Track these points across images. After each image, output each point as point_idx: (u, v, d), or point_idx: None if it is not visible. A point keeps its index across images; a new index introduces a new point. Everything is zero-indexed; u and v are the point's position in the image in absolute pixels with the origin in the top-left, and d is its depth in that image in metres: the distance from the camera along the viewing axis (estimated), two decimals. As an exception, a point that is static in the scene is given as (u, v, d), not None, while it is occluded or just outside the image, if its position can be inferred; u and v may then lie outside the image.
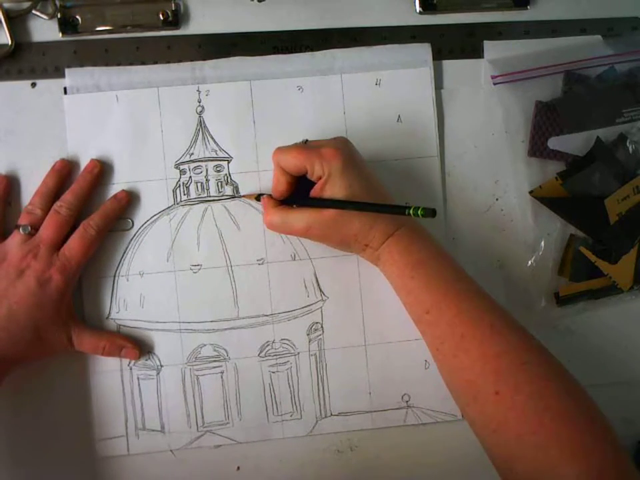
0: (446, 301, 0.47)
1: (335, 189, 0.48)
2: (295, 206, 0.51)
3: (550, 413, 0.42)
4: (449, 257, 0.50)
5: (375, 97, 0.57)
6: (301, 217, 0.50)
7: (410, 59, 0.57)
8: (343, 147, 0.50)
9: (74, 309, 0.53)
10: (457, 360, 0.46)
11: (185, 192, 0.56)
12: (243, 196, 0.56)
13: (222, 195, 0.56)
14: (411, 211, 0.44)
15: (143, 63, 0.56)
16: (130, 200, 0.55)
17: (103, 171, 0.55)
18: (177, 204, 0.56)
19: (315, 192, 0.50)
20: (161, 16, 0.56)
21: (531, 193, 0.57)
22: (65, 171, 0.54)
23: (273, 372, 0.56)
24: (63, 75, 0.55)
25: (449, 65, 0.58)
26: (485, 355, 0.45)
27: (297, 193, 0.52)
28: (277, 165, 0.51)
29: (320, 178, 0.49)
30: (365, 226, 0.49)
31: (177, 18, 0.56)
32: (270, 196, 0.53)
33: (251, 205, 0.56)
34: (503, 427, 0.43)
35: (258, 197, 0.54)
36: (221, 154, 0.56)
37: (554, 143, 0.57)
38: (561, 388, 0.44)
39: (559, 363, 0.45)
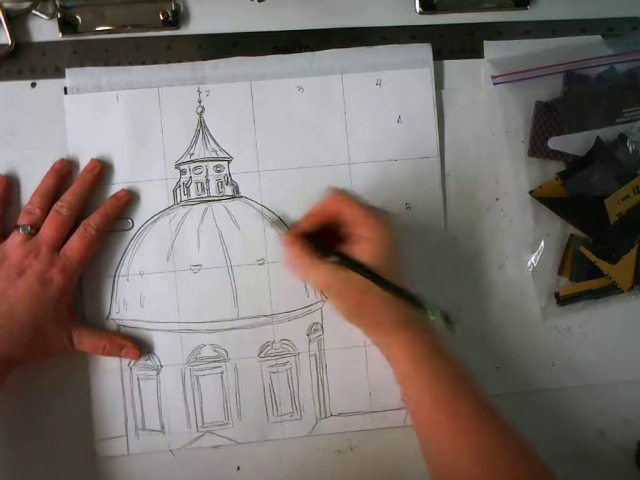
0: (443, 401, 0.48)
1: (373, 255, 0.47)
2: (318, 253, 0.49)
3: None
4: (452, 356, 0.50)
5: (375, 97, 0.57)
6: (325, 267, 0.47)
7: (410, 59, 0.57)
8: (393, 222, 0.49)
9: (74, 308, 0.53)
10: (449, 460, 0.47)
11: (185, 192, 0.56)
12: (265, 217, 0.55)
13: (222, 195, 0.56)
14: (429, 312, 0.45)
15: (143, 63, 0.56)
16: (130, 199, 0.55)
17: (103, 170, 0.55)
18: (177, 204, 0.56)
19: (350, 250, 0.48)
20: (160, 16, 0.56)
21: (531, 193, 0.57)
22: (64, 171, 0.54)
23: (273, 372, 0.56)
24: (63, 75, 0.55)
25: (449, 65, 0.58)
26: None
27: (317, 240, 0.49)
28: (335, 197, 0.48)
29: (358, 238, 0.47)
30: (384, 300, 0.47)
31: (177, 18, 0.56)
32: (294, 230, 0.49)
33: (251, 206, 0.56)
34: None
35: (274, 223, 0.52)
36: (221, 154, 0.56)
37: (554, 142, 0.57)
38: None
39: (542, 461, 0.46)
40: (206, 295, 0.55)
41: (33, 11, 0.55)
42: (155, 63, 0.56)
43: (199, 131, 0.56)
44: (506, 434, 0.47)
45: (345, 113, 0.57)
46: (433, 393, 0.48)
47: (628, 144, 0.57)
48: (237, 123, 0.56)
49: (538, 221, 0.57)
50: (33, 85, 0.55)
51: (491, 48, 0.58)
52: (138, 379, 0.55)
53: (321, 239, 0.49)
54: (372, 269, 0.47)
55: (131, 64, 0.56)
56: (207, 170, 0.56)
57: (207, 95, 0.56)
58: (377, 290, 0.47)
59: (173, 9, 0.56)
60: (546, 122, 0.57)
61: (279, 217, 0.55)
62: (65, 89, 0.55)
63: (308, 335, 0.56)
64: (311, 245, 0.48)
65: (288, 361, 0.56)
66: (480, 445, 0.46)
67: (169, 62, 0.56)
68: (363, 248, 0.47)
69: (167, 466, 0.55)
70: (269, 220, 0.54)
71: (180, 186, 0.56)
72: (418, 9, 0.58)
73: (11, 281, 0.50)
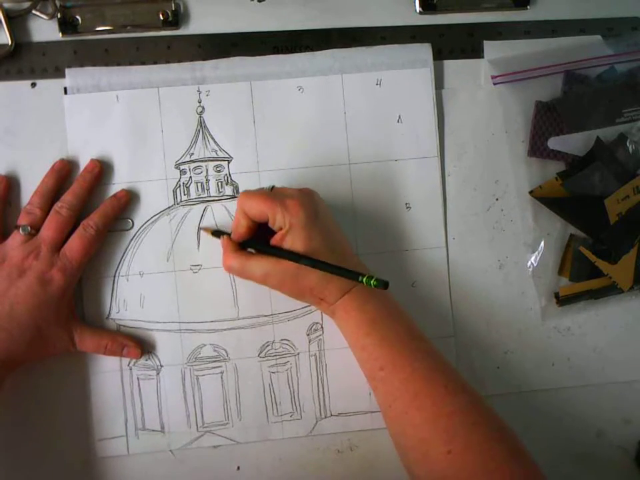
0: (400, 359, 0.48)
1: (295, 241, 0.48)
2: (250, 250, 0.51)
3: (500, 473, 0.43)
4: (405, 314, 0.51)
5: (375, 97, 0.57)
6: (259, 264, 0.49)
7: (410, 59, 0.57)
8: (307, 200, 0.49)
9: (75, 308, 0.54)
10: (408, 417, 0.47)
11: (185, 192, 0.56)
12: (201, 228, 0.55)
13: (222, 195, 0.56)
14: (364, 280, 0.45)
15: (143, 63, 0.56)
16: (130, 199, 0.55)
17: (103, 171, 0.55)
18: (177, 204, 0.56)
19: (275, 240, 0.49)
20: (160, 16, 0.56)
21: (530, 193, 0.57)
22: (64, 171, 0.54)
23: (273, 372, 0.56)
24: (63, 75, 0.55)
25: (449, 65, 0.58)
26: (437, 413, 0.46)
27: (257, 236, 0.51)
28: (240, 207, 0.50)
29: (281, 228, 0.49)
30: (321, 281, 0.49)
31: (177, 18, 0.56)
32: (229, 236, 0.52)
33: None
34: None
35: (215, 233, 0.53)
36: (221, 154, 0.56)
37: (554, 143, 0.57)
38: (510, 450, 0.45)
39: (506, 423, 0.46)
40: (206, 294, 0.55)
41: (33, 11, 0.55)
42: (155, 63, 0.56)
43: (199, 131, 0.56)
44: (465, 385, 0.48)
45: (345, 113, 0.57)
46: (387, 355, 0.48)
47: (628, 144, 0.57)
48: (237, 123, 0.56)
49: (538, 221, 0.58)
50: (33, 85, 0.55)
51: (491, 48, 0.58)
52: (138, 378, 0.55)
53: (265, 237, 0.50)
54: (293, 252, 0.48)
55: (131, 64, 0.56)
56: (207, 170, 0.56)
57: (207, 95, 0.56)
58: (314, 271, 0.48)
59: (173, 8, 0.56)
60: (546, 122, 0.57)
61: (218, 229, 0.55)
62: (65, 89, 0.55)
63: (308, 335, 0.56)
64: (240, 246, 0.51)
65: (288, 361, 0.56)
66: (440, 394, 0.46)
67: (168, 62, 0.56)
68: (285, 236, 0.48)
69: (166, 466, 0.55)
70: (209, 231, 0.54)
71: (180, 186, 0.56)
72: (418, 8, 0.58)
73: (11, 282, 0.50)
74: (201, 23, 0.57)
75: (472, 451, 0.44)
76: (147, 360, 0.55)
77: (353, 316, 0.49)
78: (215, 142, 0.56)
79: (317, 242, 0.48)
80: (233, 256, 0.50)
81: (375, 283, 0.44)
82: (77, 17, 0.55)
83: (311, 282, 0.49)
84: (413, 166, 0.57)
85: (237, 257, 0.50)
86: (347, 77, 0.57)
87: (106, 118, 0.55)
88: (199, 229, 0.55)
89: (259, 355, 0.56)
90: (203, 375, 0.55)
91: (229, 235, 0.52)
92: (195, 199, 0.56)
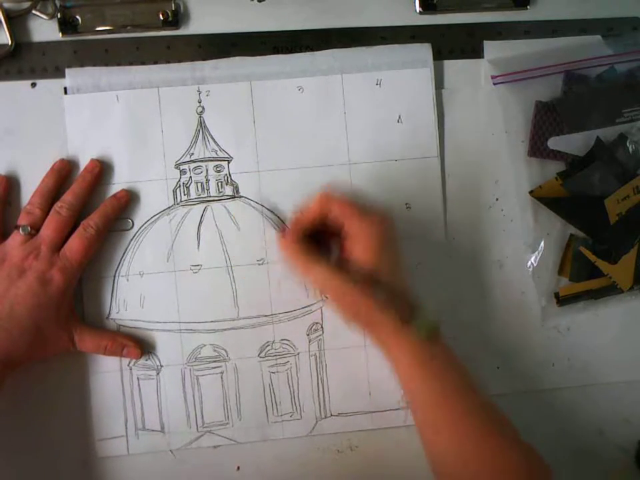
0: (441, 400, 0.47)
1: (362, 252, 0.47)
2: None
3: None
4: (454, 355, 0.50)
5: (375, 97, 0.57)
6: (323, 270, 0.47)
7: (410, 59, 0.57)
8: (389, 220, 0.49)
9: (74, 308, 0.53)
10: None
11: (185, 192, 0.56)
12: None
13: (222, 195, 0.56)
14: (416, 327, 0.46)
15: (143, 63, 0.56)
16: (130, 199, 0.55)
17: (103, 170, 0.55)
18: (177, 204, 0.56)
19: (343, 246, 0.48)
20: (160, 16, 0.56)
21: (531, 193, 0.57)
22: (64, 171, 0.54)
23: (273, 372, 0.56)
24: (63, 75, 0.55)
25: (449, 65, 0.58)
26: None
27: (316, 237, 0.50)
28: (322, 197, 0.48)
29: (343, 233, 0.48)
30: (386, 302, 0.47)
31: (177, 18, 0.56)
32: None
33: (251, 205, 0.56)
34: None
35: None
36: (221, 154, 0.56)
37: (554, 142, 0.57)
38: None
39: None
40: (206, 294, 0.55)
41: (33, 11, 0.55)
42: (155, 63, 0.56)
43: (199, 131, 0.56)
44: (506, 433, 0.47)
45: (345, 113, 0.57)
46: (434, 394, 0.48)
47: (628, 144, 0.57)
48: (236, 123, 0.56)
49: (538, 221, 0.58)
50: (33, 85, 0.55)
51: (491, 48, 0.58)
52: (138, 379, 0.55)
53: (320, 235, 0.50)
54: (368, 270, 0.47)
55: (131, 64, 0.56)
56: (207, 170, 0.56)
57: (207, 95, 0.56)
58: (376, 291, 0.47)
59: (173, 8, 0.56)
60: (546, 122, 0.57)
61: (279, 217, 0.55)
62: (65, 88, 0.55)
63: (308, 334, 0.56)
64: (309, 244, 0.49)
65: (288, 361, 0.56)
66: (478, 442, 0.46)
67: (168, 62, 0.56)
68: (352, 244, 0.48)
69: (166, 466, 0.55)
70: (270, 221, 0.54)
71: (180, 186, 0.56)
72: (418, 8, 0.58)
73: (11, 282, 0.50)
74: (201, 23, 0.57)
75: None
76: (147, 360, 0.55)
77: (406, 351, 0.48)
78: (215, 142, 0.56)
79: (380, 261, 0.47)
80: (296, 255, 0.48)
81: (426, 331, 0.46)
82: (77, 17, 0.55)
83: (372, 299, 0.47)
84: (413, 166, 0.57)
85: (300, 257, 0.48)
86: (346, 77, 0.57)
87: (106, 118, 0.55)
88: (261, 215, 0.53)
89: (258, 355, 0.56)
90: (203, 375, 0.55)
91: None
92: (195, 198, 0.56)
